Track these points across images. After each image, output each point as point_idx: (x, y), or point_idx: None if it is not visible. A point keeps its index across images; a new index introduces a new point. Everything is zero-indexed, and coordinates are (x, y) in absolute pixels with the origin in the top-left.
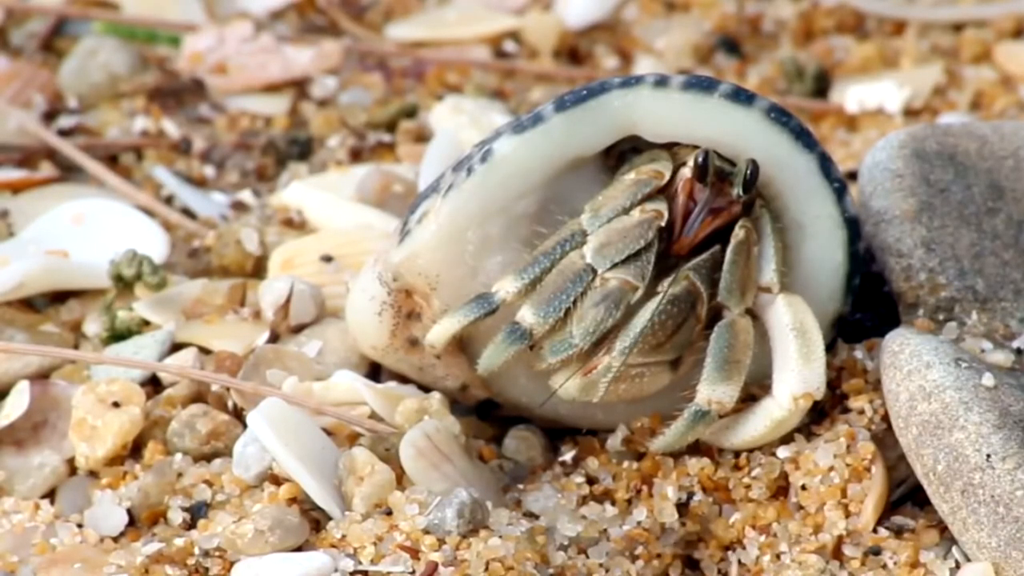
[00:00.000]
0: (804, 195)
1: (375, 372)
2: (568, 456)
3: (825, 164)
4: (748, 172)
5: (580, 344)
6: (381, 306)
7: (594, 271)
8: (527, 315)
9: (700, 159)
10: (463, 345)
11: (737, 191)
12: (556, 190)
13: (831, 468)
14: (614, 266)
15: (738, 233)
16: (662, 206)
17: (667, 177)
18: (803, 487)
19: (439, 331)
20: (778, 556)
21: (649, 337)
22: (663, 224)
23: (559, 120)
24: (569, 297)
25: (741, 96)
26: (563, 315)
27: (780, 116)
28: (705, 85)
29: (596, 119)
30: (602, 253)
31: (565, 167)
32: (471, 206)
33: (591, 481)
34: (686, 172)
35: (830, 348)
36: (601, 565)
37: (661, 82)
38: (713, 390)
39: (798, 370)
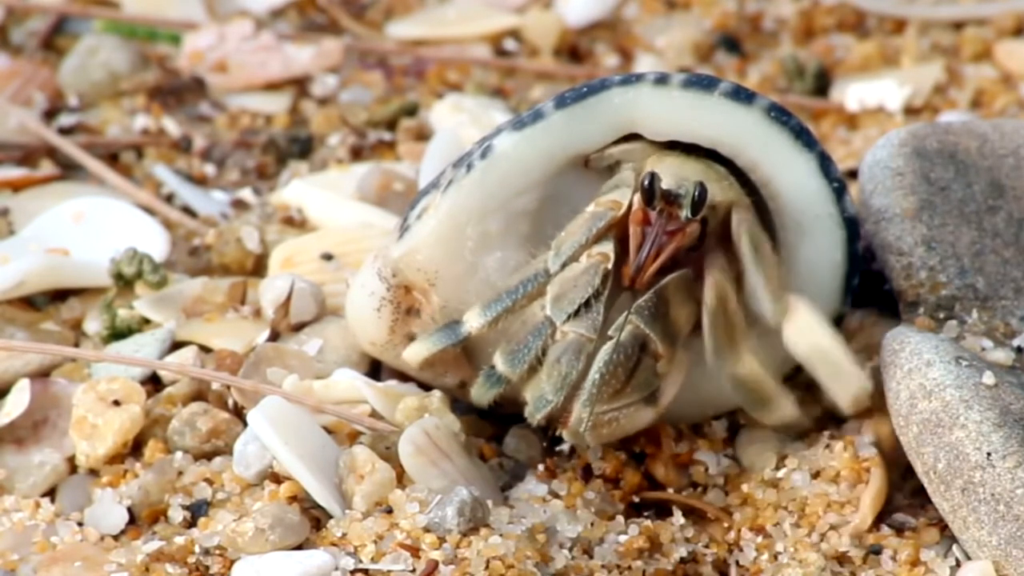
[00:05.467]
0: (803, 194)
1: (375, 370)
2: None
3: (825, 163)
4: (696, 194)
5: (554, 400)
6: (380, 302)
7: (553, 323)
8: (499, 363)
9: (645, 183)
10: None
11: (685, 213)
12: (556, 188)
13: (831, 467)
14: (570, 317)
15: (708, 298)
16: (608, 247)
17: (625, 205)
18: (804, 486)
19: (412, 353)
20: (776, 556)
21: (604, 388)
22: (609, 267)
23: (559, 117)
24: (531, 350)
25: (741, 95)
26: (532, 364)
27: (780, 115)
28: (705, 83)
29: (596, 116)
30: (558, 305)
31: (565, 164)
32: (471, 202)
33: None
34: (635, 200)
35: None
36: (603, 566)
37: (661, 80)
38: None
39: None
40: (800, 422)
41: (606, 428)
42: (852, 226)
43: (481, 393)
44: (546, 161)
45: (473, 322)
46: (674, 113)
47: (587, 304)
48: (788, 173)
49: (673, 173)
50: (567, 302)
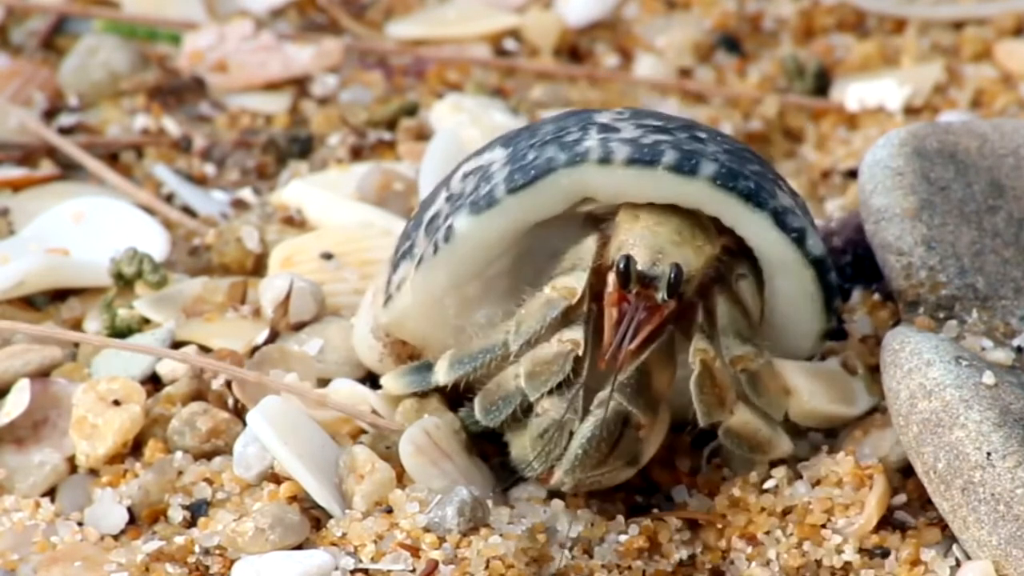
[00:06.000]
0: (765, 244)
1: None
2: None
3: (780, 217)
4: (672, 276)
5: (541, 470)
6: (380, 355)
7: (527, 394)
8: (477, 412)
9: (620, 266)
10: None
11: (662, 295)
12: (528, 244)
13: (834, 472)
14: (543, 396)
15: (695, 365)
16: (579, 334)
17: (579, 293)
18: (805, 492)
19: (387, 387)
20: (776, 556)
21: (587, 460)
22: (580, 353)
23: (512, 200)
24: (503, 413)
25: (685, 167)
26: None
27: (727, 181)
28: (648, 160)
29: (548, 194)
30: (531, 382)
31: (530, 230)
32: (441, 279)
33: None
34: (610, 281)
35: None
36: (603, 566)
37: (605, 159)
38: None
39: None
40: (797, 455)
41: (587, 485)
42: (819, 264)
43: (470, 424)
44: (508, 236)
45: (440, 376)
46: (623, 187)
47: (565, 382)
48: (747, 230)
49: (647, 244)
50: (540, 383)
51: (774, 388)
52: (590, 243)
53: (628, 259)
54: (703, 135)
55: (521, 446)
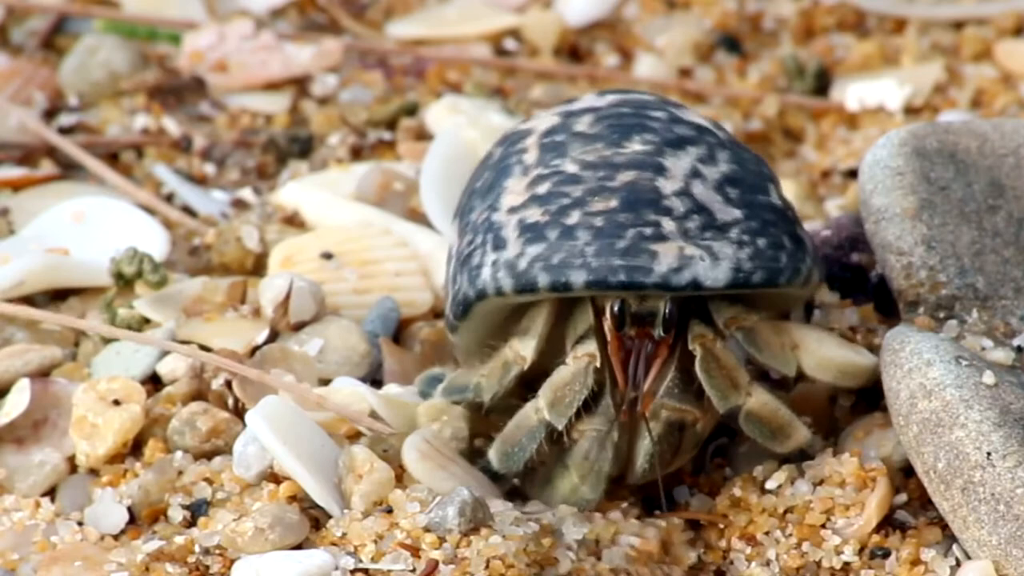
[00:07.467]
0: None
1: (375, 370)
2: None
3: (666, 283)
4: (667, 312)
5: (595, 496)
6: None
7: (551, 425)
8: (494, 461)
9: (615, 309)
10: None
11: (658, 332)
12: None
13: (838, 473)
14: (571, 420)
15: (696, 350)
16: (592, 347)
17: (529, 360)
18: (807, 492)
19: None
20: (776, 556)
21: (653, 471)
22: (598, 364)
23: (465, 323)
24: (526, 451)
25: (559, 287)
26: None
27: (600, 287)
28: (530, 288)
29: (485, 311)
30: (556, 410)
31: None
32: (471, 338)
33: None
34: (607, 327)
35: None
36: (611, 570)
37: (499, 292)
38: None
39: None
40: (813, 446)
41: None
42: (734, 285)
43: (488, 475)
44: (495, 328)
45: (438, 400)
46: (526, 300)
47: (594, 398)
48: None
49: None
50: (565, 407)
51: (778, 344)
52: (543, 310)
53: (623, 302)
54: (594, 210)
55: (567, 484)
